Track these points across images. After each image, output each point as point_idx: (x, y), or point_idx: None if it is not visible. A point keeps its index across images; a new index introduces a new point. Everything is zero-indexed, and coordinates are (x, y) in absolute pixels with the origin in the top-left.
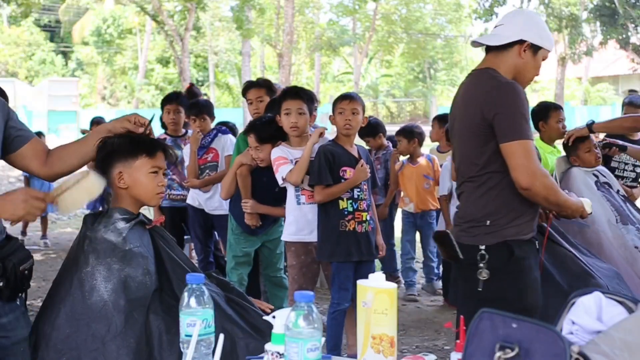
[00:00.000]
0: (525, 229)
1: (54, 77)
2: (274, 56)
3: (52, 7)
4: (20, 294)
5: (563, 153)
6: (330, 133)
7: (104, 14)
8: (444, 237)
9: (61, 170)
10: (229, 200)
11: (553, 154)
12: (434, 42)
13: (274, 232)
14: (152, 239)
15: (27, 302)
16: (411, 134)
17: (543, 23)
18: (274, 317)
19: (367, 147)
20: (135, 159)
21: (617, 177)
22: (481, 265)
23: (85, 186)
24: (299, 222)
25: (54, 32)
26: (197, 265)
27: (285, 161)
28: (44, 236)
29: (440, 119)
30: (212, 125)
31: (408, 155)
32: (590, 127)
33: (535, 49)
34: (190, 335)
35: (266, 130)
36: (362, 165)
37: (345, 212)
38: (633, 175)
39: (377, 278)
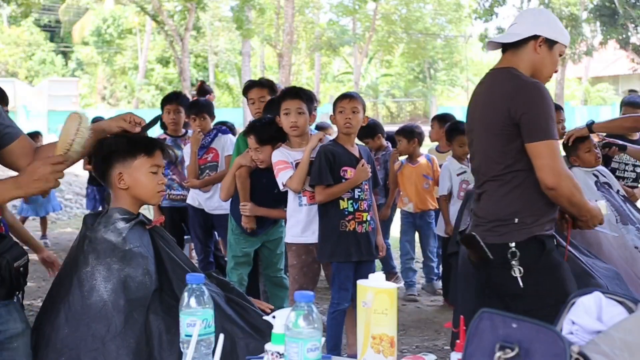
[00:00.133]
0: (547, 226)
1: (54, 77)
2: (274, 56)
3: (52, 7)
4: (17, 292)
5: (563, 153)
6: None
7: (104, 14)
8: (471, 239)
9: None
10: (229, 201)
11: None
12: (434, 42)
13: (274, 233)
14: (152, 239)
15: (27, 302)
16: (411, 134)
17: (556, 19)
18: (274, 317)
19: None
20: (134, 159)
21: (617, 178)
22: (513, 262)
23: (84, 127)
24: (301, 224)
25: (54, 32)
26: (197, 265)
27: (285, 166)
28: (43, 236)
29: (440, 119)
30: (212, 124)
31: (407, 155)
32: (590, 127)
33: (550, 43)
34: (190, 335)
35: (266, 131)
36: (362, 165)
37: (346, 212)
38: (633, 175)
39: (377, 278)
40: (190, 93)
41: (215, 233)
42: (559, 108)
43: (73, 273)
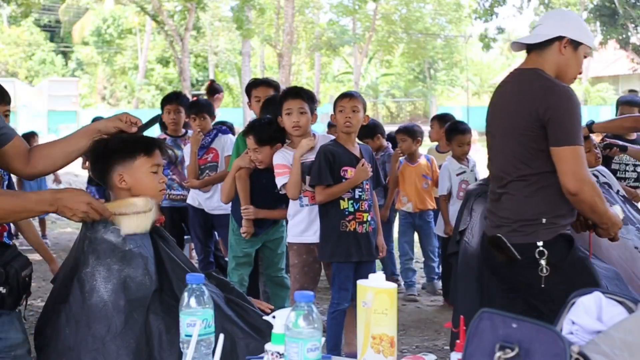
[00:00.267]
0: (568, 226)
1: (54, 77)
2: (274, 56)
3: (52, 7)
4: (21, 302)
5: None
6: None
7: (104, 14)
8: (498, 240)
9: (45, 169)
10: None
11: None
12: (434, 42)
13: (275, 232)
14: (152, 239)
15: (27, 302)
16: (414, 133)
17: (581, 20)
18: (274, 317)
19: None
20: (134, 159)
21: (618, 179)
22: (541, 262)
23: (147, 216)
24: (303, 223)
25: (54, 32)
26: (197, 265)
27: (284, 170)
28: (43, 236)
29: (440, 119)
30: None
31: (406, 155)
32: (590, 127)
33: (575, 45)
34: (190, 335)
35: (265, 131)
36: (362, 165)
37: (346, 212)
38: (635, 175)
39: (377, 278)
40: (190, 93)
41: (215, 233)
42: None
43: (73, 274)
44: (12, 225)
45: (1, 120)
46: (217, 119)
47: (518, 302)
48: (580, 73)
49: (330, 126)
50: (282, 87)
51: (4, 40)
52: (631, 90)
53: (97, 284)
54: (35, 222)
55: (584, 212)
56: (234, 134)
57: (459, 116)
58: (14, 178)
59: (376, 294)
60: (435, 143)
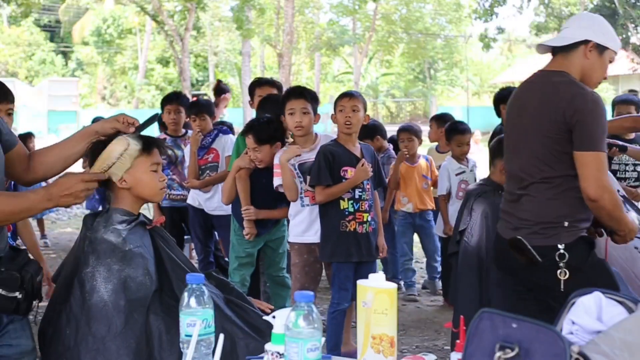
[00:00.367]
0: (586, 230)
1: (54, 77)
2: (274, 56)
3: (52, 7)
4: (33, 308)
5: None
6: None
7: (104, 14)
8: (518, 242)
9: (44, 175)
10: None
11: None
12: (434, 42)
13: (276, 232)
14: (152, 240)
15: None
16: (418, 133)
17: (607, 24)
18: (274, 317)
19: None
20: (134, 159)
21: (619, 179)
22: (561, 265)
23: (129, 154)
24: (304, 223)
25: (54, 32)
26: (197, 265)
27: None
28: (43, 236)
29: (438, 119)
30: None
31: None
32: None
33: (600, 49)
34: (190, 335)
35: (264, 130)
36: (362, 165)
37: (346, 213)
38: (635, 174)
39: (377, 278)
40: (190, 93)
41: (216, 233)
42: None
43: (74, 274)
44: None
45: (5, 126)
46: (224, 119)
47: (530, 304)
48: (605, 78)
49: None
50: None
51: (4, 40)
52: (631, 90)
53: (97, 284)
54: (33, 223)
55: (601, 219)
56: (233, 133)
57: (459, 116)
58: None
59: (376, 294)
60: (435, 143)
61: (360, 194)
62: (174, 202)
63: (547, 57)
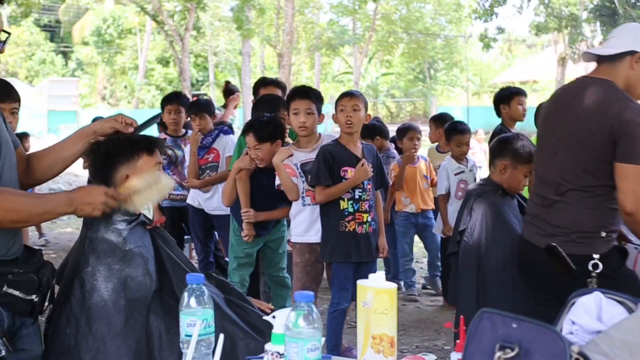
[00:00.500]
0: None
1: (54, 77)
2: (274, 56)
3: (52, 7)
4: (44, 310)
5: None
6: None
7: (104, 14)
8: (554, 250)
9: (43, 177)
10: None
11: None
12: (434, 42)
13: (276, 232)
14: (153, 239)
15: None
16: (421, 132)
17: None
18: (274, 317)
19: None
20: (138, 158)
21: None
22: (593, 274)
23: (158, 188)
24: (305, 223)
25: (54, 32)
26: (197, 265)
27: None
28: (42, 235)
29: (437, 120)
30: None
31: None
32: None
33: None
34: (190, 335)
35: (265, 129)
36: (362, 165)
37: (346, 213)
38: None
39: (377, 278)
40: (190, 93)
41: (215, 233)
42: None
43: (74, 274)
44: None
45: (9, 127)
46: (234, 120)
47: (547, 309)
48: None
49: None
50: None
51: None
52: None
53: (97, 284)
54: None
55: (636, 232)
56: (233, 133)
57: (459, 116)
58: None
59: (376, 294)
60: (436, 143)
61: (361, 194)
62: (174, 202)
63: (548, 58)
